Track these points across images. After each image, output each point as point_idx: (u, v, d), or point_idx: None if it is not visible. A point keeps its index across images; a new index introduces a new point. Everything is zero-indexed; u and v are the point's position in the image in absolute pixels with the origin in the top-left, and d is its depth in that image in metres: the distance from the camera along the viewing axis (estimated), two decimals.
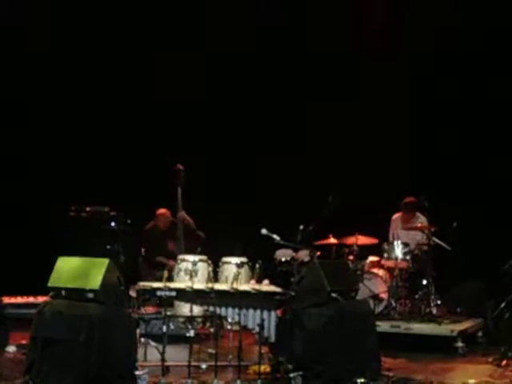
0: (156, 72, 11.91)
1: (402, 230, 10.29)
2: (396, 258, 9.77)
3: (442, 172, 11.20)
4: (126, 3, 11.83)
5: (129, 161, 11.71)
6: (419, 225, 9.99)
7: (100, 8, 11.72)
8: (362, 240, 10.12)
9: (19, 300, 8.57)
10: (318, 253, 9.11)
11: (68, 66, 11.71)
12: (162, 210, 10.19)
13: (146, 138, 11.87)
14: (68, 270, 6.65)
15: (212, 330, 7.94)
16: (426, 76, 11.46)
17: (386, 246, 9.94)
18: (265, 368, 7.22)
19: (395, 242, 9.85)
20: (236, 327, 7.59)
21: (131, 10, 11.82)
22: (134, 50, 11.82)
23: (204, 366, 7.44)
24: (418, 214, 10.25)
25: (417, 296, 9.67)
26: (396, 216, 10.53)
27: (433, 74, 11.44)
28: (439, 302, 9.54)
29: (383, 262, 10.08)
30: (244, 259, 8.28)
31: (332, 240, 10.09)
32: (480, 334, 9.51)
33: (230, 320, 7.39)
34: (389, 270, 10.01)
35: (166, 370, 7.01)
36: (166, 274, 7.26)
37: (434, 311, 9.41)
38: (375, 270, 10.00)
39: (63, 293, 6.57)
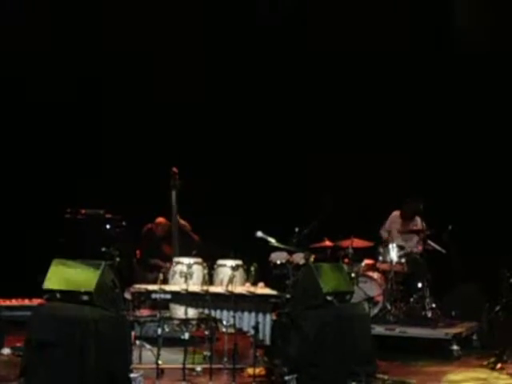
0: (155, 74, 11.91)
1: (398, 233, 10.29)
2: (391, 261, 9.78)
3: (438, 175, 11.21)
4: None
5: (124, 163, 11.68)
6: (414, 228, 10.00)
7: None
8: (358, 243, 10.11)
9: (14, 302, 8.54)
10: (313, 256, 9.12)
11: (67, 66, 11.69)
12: (160, 219, 10.14)
13: (142, 141, 11.85)
14: (63, 272, 6.64)
15: (207, 332, 7.94)
16: (426, 76, 11.47)
17: (381, 249, 9.96)
18: (260, 371, 7.24)
19: (390, 245, 9.86)
20: (231, 330, 7.59)
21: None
22: (133, 50, 11.80)
23: (199, 368, 7.46)
24: (417, 217, 10.26)
25: (412, 299, 9.68)
26: (395, 213, 10.49)
27: (432, 74, 11.46)
28: (434, 305, 9.54)
29: (378, 264, 10.08)
30: (239, 262, 8.28)
31: (327, 243, 10.08)
32: (475, 337, 9.52)
33: (224, 323, 7.38)
34: (384, 272, 10.01)
35: (160, 372, 7.02)
36: (161, 276, 7.27)
37: (429, 314, 9.42)
38: (370, 273, 10.00)
39: (58, 295, 6.56)
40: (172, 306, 8.24)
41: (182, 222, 9.83)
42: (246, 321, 7.11)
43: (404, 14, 11.57)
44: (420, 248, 9.93)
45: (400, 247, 9.86)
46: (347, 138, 11.62)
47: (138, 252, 10.10)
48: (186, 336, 7.10)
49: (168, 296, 7.19)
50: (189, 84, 11.80)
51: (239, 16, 11.96)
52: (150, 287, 7.31)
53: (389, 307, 9.60)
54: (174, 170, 9.39)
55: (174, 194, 9.44)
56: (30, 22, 11.39)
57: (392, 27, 11.47)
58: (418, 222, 10.15)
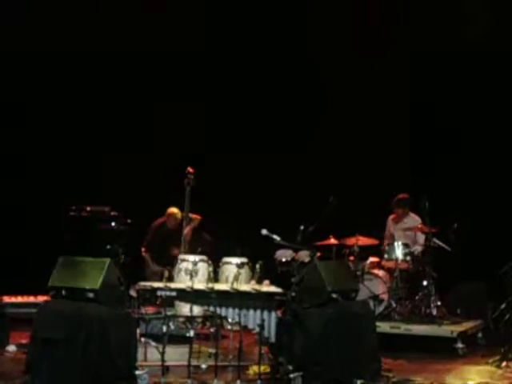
0: (158, 73, 11.92)
1: (399, 230, 10.29)
2: (396, 259, 9.77)
3: (442, 173, 11.20)
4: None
5: (131, 160, 11.69)
6: (419, 225, 9.99)
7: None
8: (363, 241, 10.12)
9: (19, 299, 8.58)
10: (319, 253, 9.11)
11: (67, 65, 11.69)
12: (172, 210, 10.12)
13: (150, 138, 11.85)
14: (68, 269, 6.65)
15: (212, 330, 7.94)
16: (427, 75, 11.46)
17: (386, 247, 9.95)
18: (265, 368, 7.23)
19: (395, 243, 9.85)
20: (236, 327, 7.60)
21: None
22: (136, 50, 11.80)
23: (204, 366, 7.46)
24: (412, 214, 10.27)
25: (417, 297, 9.66)
26: (391, 217, 10.53)
27: (433, 74, 11.44)
28: (439, 303, 9.53)
29: (383, 262, 10.08)
30: (244, 259, 8.27)
31: (332, 241, 10.08)
32: (480, 335, 9.52)
33: (230, 320, 7.40)
34: (389, 270, 10.01)
35: (166, 369, 7.02)
36: (166, 273, 7.28)
37: (434, 312, 9.40)
38: (375, 271, 10.00)
39: (63, 292, 6.58)
40: (177, 303, 8.25)
41: (193, 215, 9.82)
42: (252, 318, 7.12)
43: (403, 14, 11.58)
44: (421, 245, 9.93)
45: (405, 245, 9.85)
46: (349, 135, 11.62)
47: (143, 249, 10.11)
48: (191, 333, 7.11)
49: (173, 293, 7.20)
50: (190, 83, 11.82)
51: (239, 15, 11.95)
52: (156, 284, 7.32)
53: (394, 305, 9.60)
54: (189, 169, 9.39)
55: (187, 193, 9.44)
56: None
57: (392, 27, 11.49)
58: (417, 219, 10.14)
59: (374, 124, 11.59)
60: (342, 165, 11.44)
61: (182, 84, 11.89)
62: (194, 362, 7.15)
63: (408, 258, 9.78)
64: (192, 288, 7.18)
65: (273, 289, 7.40)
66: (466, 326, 9.21)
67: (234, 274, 7.53)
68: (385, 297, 9.72)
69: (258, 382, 6.88)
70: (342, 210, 9.42)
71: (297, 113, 12.03)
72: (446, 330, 8.92)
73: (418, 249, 9.95)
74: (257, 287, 7.31)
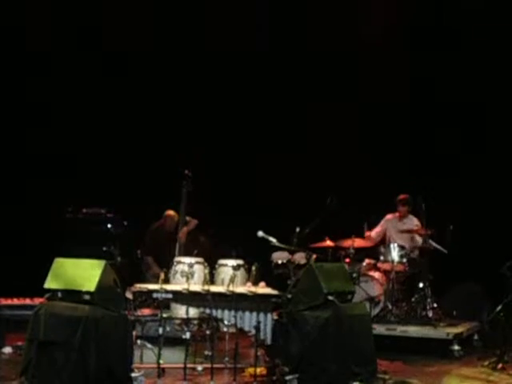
0: (157, 73, 11.92)
1: (397, 231, 10.30)
2: (392, 261, 9.77)
3: (439, 174, 11.21)
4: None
5: (128, 163, 11.68)
6: (415, 227, 9.99)
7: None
8: (359, 243, 10.11)
9: (15, 301, 8.56)
10: (315, 255, 9.12)
11: (67, 65, 11.69)
12: (170, 212, 10.17)
13: (146, 140, 11.85)
14: (64, 271, 6.64)
15: (208, 332, 7.95)
16: (426, 75, 11.47)
17: (382, 249, 9.96)
18: (261, 370, 7.25)
19: (391, 245, 9.87)
20: (232, 329, 7.60)
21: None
22: (137, 52, 11.80)
23: (200, 368, 7.47)
24: (411, 215, 10.28)
25: (413, 299, 9.68)
26: (389, 216, 10.53)
27: (432, 74, 11.45)
28: (435, 305, 9.54)
29: (379, 264, 10.07)
30: (240, 262, 8.29)
31: (328, 243, 10.06)
32: (476, 337, 9.52)
33: (226, 322, 7.40)
34: (385, 272, 10.01)
35: (161, 372, 7.02)
36: (162, 275, 7.28)
37: (430, 314, 9.42)
38: (371, 273, 10.00)
39: (59, 294, 6.57)
40: (173, 305, 8.24)
41: (189, 219, 9.84)
42: (247, 320, 7.13)
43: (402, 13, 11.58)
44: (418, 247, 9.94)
45: (401, 247, 9.86)
46: (346, 136, 11.62)
47: (138, 252, 10.10)
48: (188, 335, 7.10)
49: (169, 295, 7.20)
50: (188, 85, 11.82)
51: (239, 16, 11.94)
52: (152, 286, 7.32)
53: (390, 307, 9.60)
54: (187, 172, 9.41)
55: (184, 195, 9.46)
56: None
57: (391, 25, 11.49)
58: (415, 221, 10.15)
59: (373, 124, 11.60)
60: (338, 166, 11.44)
61: (181, 84, 11.89)
62: (189, 364, 7.14)
63: (404, 259, 9.79)
64: (188, 290, 7.18)
65: (269, 291, 7.40)
66: (462, 327, 9.22)
67: (230, 276, 7.54)
68: (381, 299, 9.73)
69: None
70: (338, 212, 9.42)
71: (296, 113, 12.03)
72: (442, 331, 8.93)
73: (415, 251, 9.96)
74: (253, 289, 7.31)
